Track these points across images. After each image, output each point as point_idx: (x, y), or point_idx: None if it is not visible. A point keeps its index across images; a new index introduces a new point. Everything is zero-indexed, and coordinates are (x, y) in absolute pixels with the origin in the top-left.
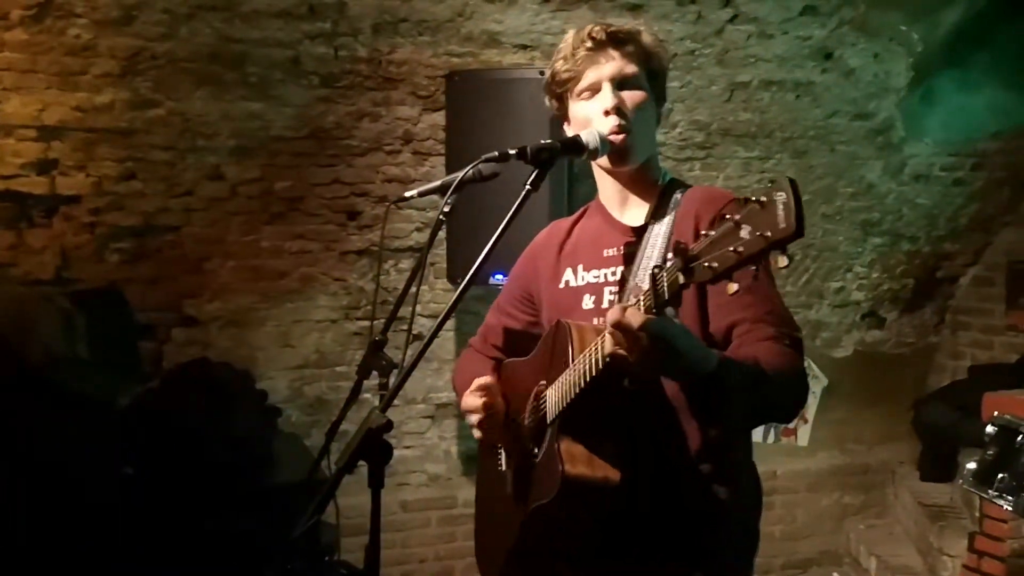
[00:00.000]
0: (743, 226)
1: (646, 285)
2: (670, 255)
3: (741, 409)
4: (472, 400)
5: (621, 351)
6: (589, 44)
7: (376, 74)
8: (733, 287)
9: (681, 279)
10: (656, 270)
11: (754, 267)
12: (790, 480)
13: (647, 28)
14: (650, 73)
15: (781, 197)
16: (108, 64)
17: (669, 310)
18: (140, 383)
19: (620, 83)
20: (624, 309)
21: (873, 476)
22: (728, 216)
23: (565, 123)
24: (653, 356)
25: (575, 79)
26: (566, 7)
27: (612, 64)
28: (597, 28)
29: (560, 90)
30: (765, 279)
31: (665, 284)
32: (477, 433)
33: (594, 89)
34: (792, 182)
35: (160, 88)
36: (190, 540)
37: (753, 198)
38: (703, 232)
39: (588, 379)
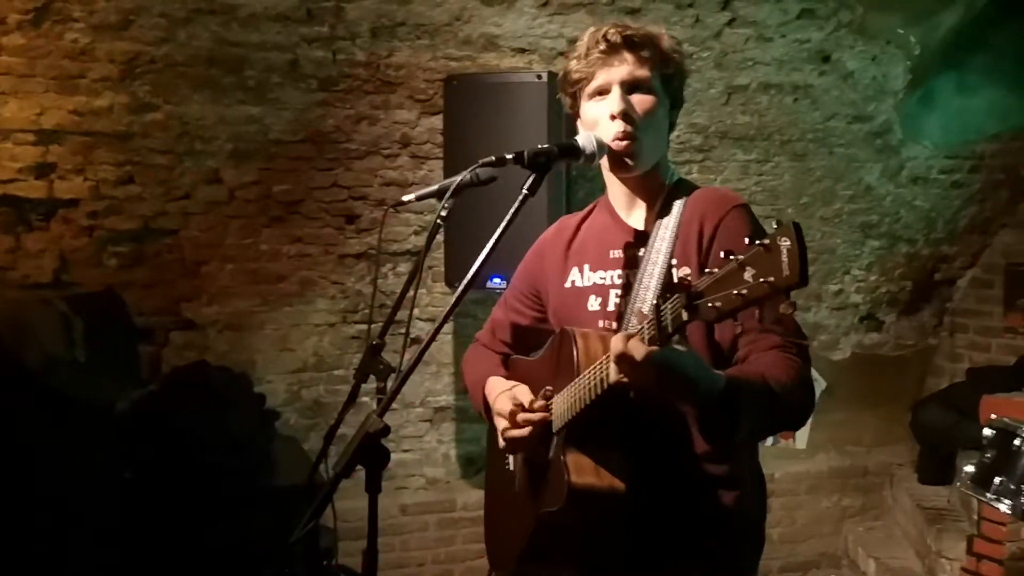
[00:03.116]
0: (747, 268)
1: (647, 307)
2: (675, 284)
3: (750, 427)
4: (507, 411)
5: (625, 379)
6: (603, 46)
7: (374, 78)
8: (738, 328)
9: (685, 316)
10: (660, 303)
11: (757, 311)
12: (788, 482)
13: (666, 32)
14: (664, 77)
15: (786, 243)
16: (106, 68)
17: (675, 337)
18: (138, 387)
19: (630, 87)
20: (627, 339)
21: (871, 478)
22: (733, 255)
23: (578, 120)
24: (658, 385)
25: (586, 80)
26: (564, 11)
27: (624, 68)
28: (613, 30)
29: (572, 89)
30: None
31: (669, 318)
32: (501, 442)
33: (604, 91)
34: (797, 227)
35: (158, 92)
36: (189, 544)
37: (758, 241)
38: (708, 269)
39: (592, 397)
